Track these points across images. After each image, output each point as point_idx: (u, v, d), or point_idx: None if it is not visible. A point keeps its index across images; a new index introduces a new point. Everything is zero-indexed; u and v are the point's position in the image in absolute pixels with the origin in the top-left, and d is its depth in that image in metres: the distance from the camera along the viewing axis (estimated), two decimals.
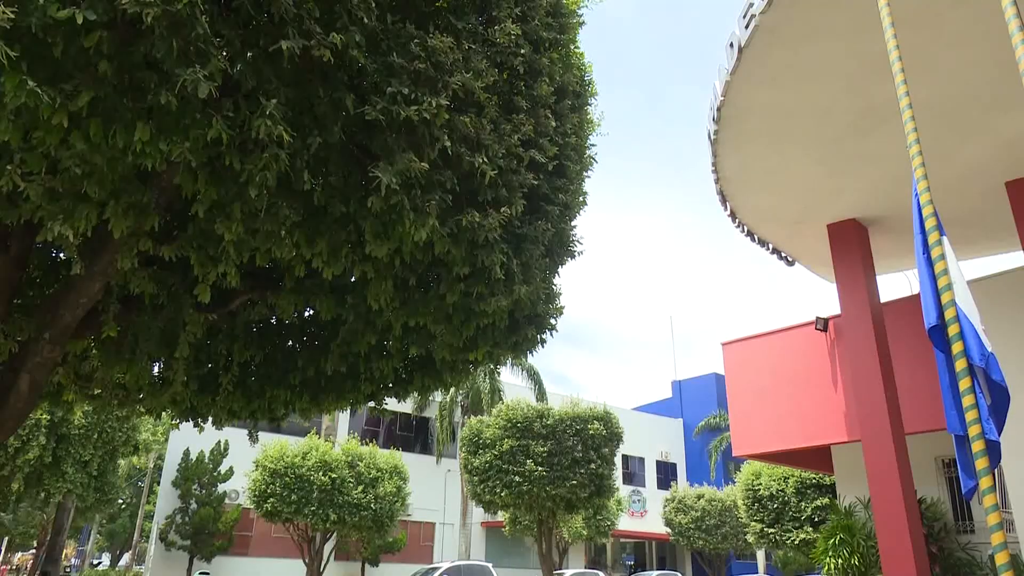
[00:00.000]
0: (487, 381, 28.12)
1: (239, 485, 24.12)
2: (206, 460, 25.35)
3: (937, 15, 6.10)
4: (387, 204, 3.95)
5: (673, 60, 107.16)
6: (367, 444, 23.42)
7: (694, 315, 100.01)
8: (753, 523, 20.44)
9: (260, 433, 20.37)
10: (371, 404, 7.33)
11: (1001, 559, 3.08)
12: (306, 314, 6.64)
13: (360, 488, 21.21)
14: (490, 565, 21.80)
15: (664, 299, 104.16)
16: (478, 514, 28.67)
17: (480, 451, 19.60)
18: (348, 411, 25.94)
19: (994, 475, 3.19)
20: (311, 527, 21.19)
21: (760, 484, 20.26)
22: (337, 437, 26.69)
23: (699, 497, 32.30)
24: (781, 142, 8.39)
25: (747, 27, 6.70)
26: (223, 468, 25.56)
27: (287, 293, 5.41)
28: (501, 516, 25.86)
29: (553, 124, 5.49)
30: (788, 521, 19.44)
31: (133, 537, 36.00)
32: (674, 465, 43.00)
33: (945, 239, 3.60)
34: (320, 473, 20.58)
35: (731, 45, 7.05)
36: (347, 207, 4.24)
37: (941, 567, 10.06)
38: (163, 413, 6.85)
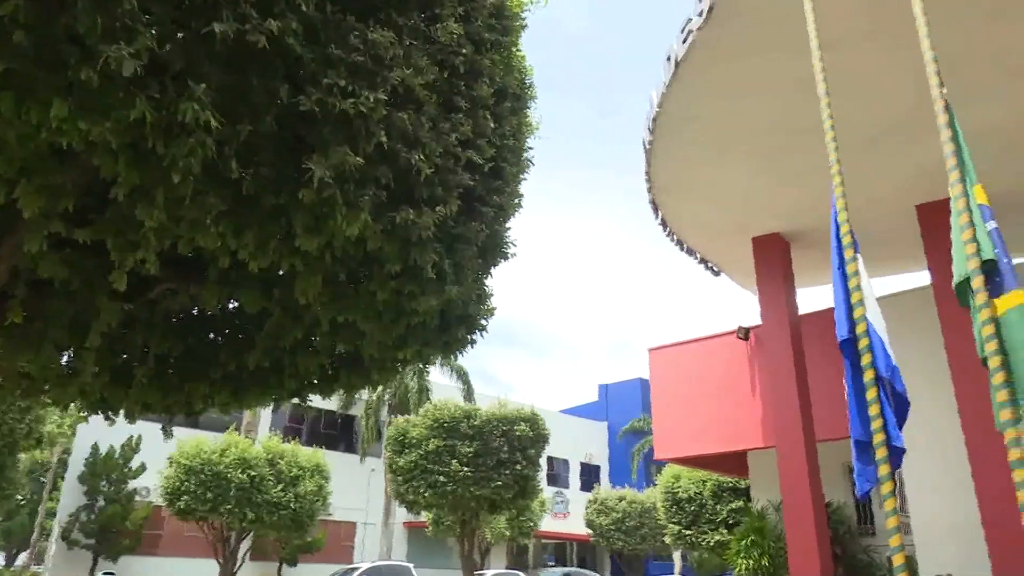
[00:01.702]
0: (415, 380, 27.90)
1: (151, 482, 23.15)
2: (116, 455, 24.24)
3: (863, 42, 6.41)
4: (319, 197, 3.87)
5: (618, 68, 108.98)
6: (289, 441, 22.89)
7: (625, 320, 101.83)
8: (671, 525, 20.97)
9: (176, 428, 19.60)
10: (295, 401, 7.17)
11: (898, 560, 3.25)
12: (230, 306, 6.44)
13: (280, 487, 20.70)
14: (411, 566, 21.63)
15: (598, 303, 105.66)
16: (401, 514, 28.40)
17: (406, 451, 19.43)
18: (271, 407, 25.29)
19: (894, 480, 3.37)
20: (227, 526, 20.55)
21: (679, 487, 20.80)
22: (258, 434, 25.97)
23: (620, 499, 32.91)
24: (713, 155, 8.64)
25: (684, 41, 6.87)
26: (135, 464, 24.50)
27: (211, 284, 5.23)
28: (424, 516, 25.69)
29: (492, 125, 5.50)
30: (704, 523, 20.03)
31: (32, 535, 34.09)
32: (598, 467, 43.68)
33: (859, 256, 3.78)
34: (238, 471, 19.98)
35: (668, 58, 7.22)
36: (278, 198, 4.13)
37: (844, 568, 10.56)
38: (71, 405, 6.51)
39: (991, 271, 3.16)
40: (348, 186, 4.00)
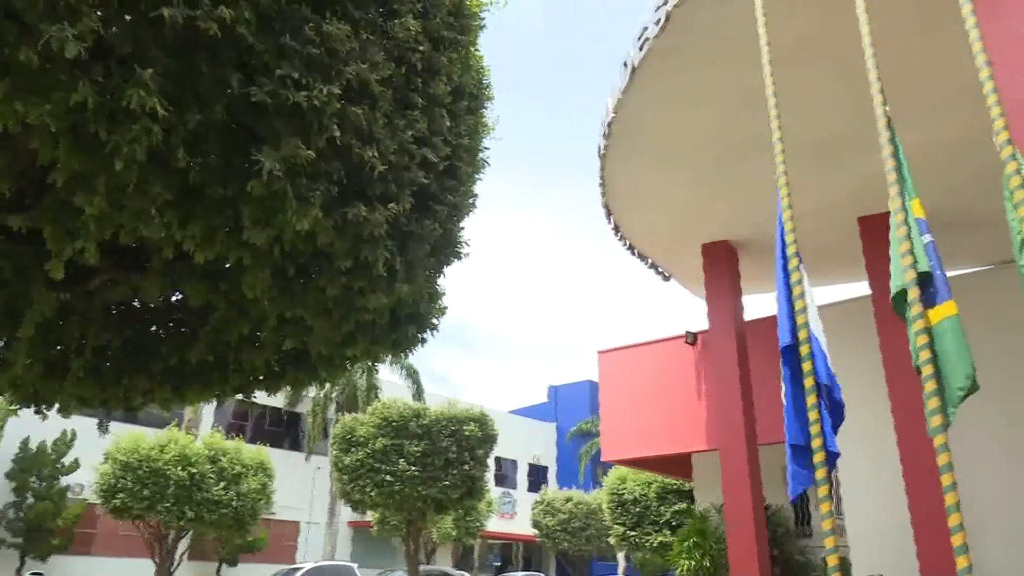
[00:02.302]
0: (364, 378, 27.61)
1: (85, 479, 22.34)
2: (48, 450, 23.33)
3: (812, 57, 6.59)
4: (269, 190, 3.80)
5: (578, 73, 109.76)
6: (232, 438, 22.38)
7: (577, 322, 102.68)
8: (616, 526, 21.22)
9: (114, 423, 19.01)
10: (239, 397, 7.01)
11: (832, 561, 3.35)
12: (173, 299, 6.26)
13: (222, 484, 20.22)
14: (355, 566, 21.39)
15: (549, 305, 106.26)
16: (346, 513, 28.06)
17: (352, 449, 19.20)
18: (214, 403, 24.71)
19: (830, 484, 3.48)
20: (164, 525, 19.98)
21: (625, 488, 21.05)
22: (200, 430, 25.33)
23: (567, 500, 33.16)
24: (666, 162, 8.78)
25: (640, 49, 6.96)
26: (68, 459, 23.61)
27: (153, 275, 5.08)
28: (370, 516, 25.44)
29: (448, 124, 5.48)
30: (649, 524, 20.32)
31: None
32: (546, 468, 43.91)
33: (802, 266, 3.89)
34: (178, 468, 19.44)
35: (624, 65, 7.30)
36: (226, 190, 4.04)
37: (781, 568, 10.83)
38: (0, 397, 6.25)
39: (926, 283, 3.29)
40: (299, 180, 3.94)
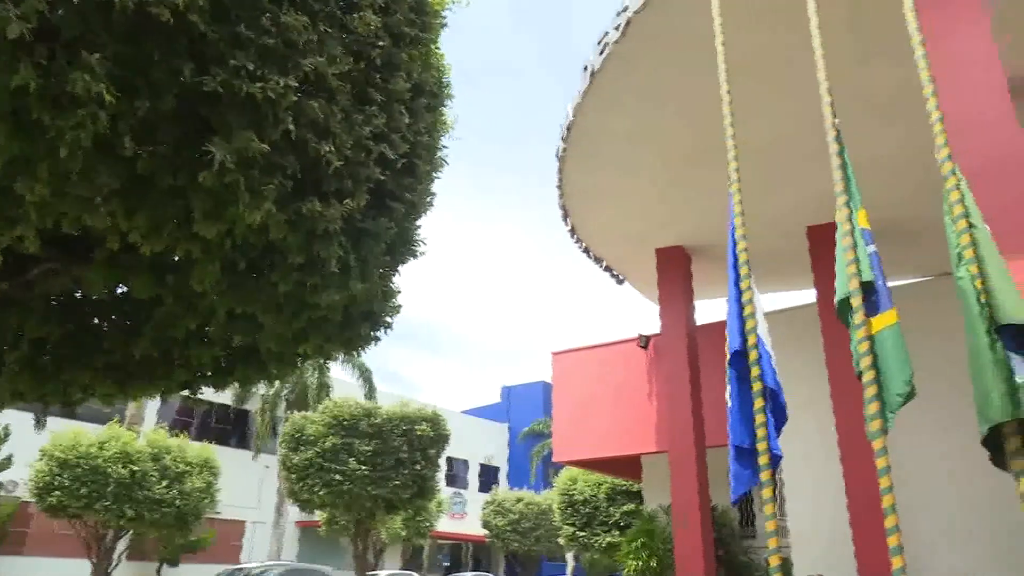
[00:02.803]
0: (315, 376, 27.23)
1: (19, 475, 21.50)
2: None
3: (767, 68, 6.74)
4: (220, 182, 3.72)
5: (541, 75, 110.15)
6: (177, 435, 21.82)
7: (532, 323, 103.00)
8: (566, 526, 21.34)
9: (52, 419, 18.37)
10: (185, 393, 6.84)
11: (774, 562, 3.43)
12: (117, 291, 6.08)
13: (164, 483, 19.69)
14: (330, 570, 20.98)
15: (505, 306, 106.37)
16: (294, 513, 27.62)
17: (301, 448, 18.92)
18: (158, 399, 24.06)
19: (774, 486, 3.56)
20: (103, 524, 19.36)
21: (576, 489, 21.19)
22: (143, 426, 24.63)
23: (518, 500, 33.24)
24: (623, 166, 8.87)
25: (601, 53, 7.02)
26: (0, 456, 22.69)
27: (97, 266, 4.92)
28: (318, 516, 25.09)
29: (407, 121, 5.45)
30: (598, 525, 20.49)
31: None
32: (497, 469, 43.94)
33: (751, 272, 3.98)
34: (119, 465, 18.86)
35: (585, 69, 7.36)
36: (176, 180, 3.94)
37: (725, 569, 11.04)
38: None
39: (869, 292, 3.39)
40: (252, 172, 3.87)
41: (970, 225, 3.15)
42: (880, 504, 3.10)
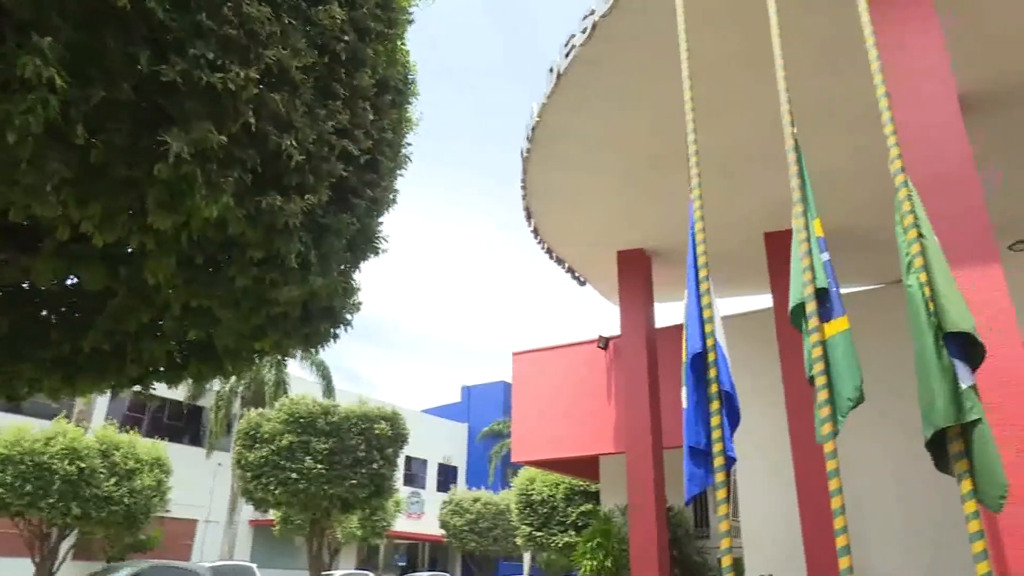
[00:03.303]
0: (273, 373, 26.80)
1: None
2: None
3: (729, 76, 6.85)
4: (177, 173, 3.63)
5: (509, 76, 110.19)
6: (127, 432, 21.26)
7: (493, 323, 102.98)
8: (523, 526, 21.40)
9: None
10: (136, 388, 6.67)
11: (726, 562, 3.49)
12: (68, 282, 5.89)
13: (113, 480, 19.16)
14: (254, 566, 20.71)
15: (467, 305, 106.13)
16: (247, 512, 27.16)
17: (257, 445, 18.61)
18: (108, 394, 23.42)
19: (728, 487, 3.62)
20: (47, 522, 18.76)
21: (534, 489, 21.26)
22: (92, 422, 23.94)
23: (476, 500, 33.21)
24: (587, 168, 8.92)
25: (567, 56, 7.06)
26: None
27: (47, 256, 4.76)
28: (272, 515, 24.72)
29: (371, 117, 5.40)
30: (555, 525, 20.59)
31: None
32: (455, 468, 43.83)
33: (710, 276, 4.04)
34: (65, 462, 18.27)
35: (551, 70, 7.39)
36: (131, 170, 3.84)
37: (680, 568, 11.20)
38: None
39: (823, 298, 3.47)
40: (210, 165, 3.79)
41: (920, 235, 3.25)
42: (829, 505, 3.17)
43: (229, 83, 3.70)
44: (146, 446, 20.98)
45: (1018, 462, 3.92)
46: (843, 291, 3.63)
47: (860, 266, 10.47)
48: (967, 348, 3.04)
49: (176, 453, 23.28)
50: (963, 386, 2.94)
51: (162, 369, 6.34)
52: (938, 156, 4.81)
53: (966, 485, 2.89)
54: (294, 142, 4.30)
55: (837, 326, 3.38)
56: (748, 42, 6.18)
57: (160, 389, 6.97)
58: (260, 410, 20.45)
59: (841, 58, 6.35)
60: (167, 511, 22.57)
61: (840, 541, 3.12)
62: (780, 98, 3.95)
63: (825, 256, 3.54)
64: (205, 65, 3.66)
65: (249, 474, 18.63)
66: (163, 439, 23.93)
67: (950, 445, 2.99)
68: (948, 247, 3.35)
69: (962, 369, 2.98)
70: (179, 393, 25.16)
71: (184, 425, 30.36)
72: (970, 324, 3.00)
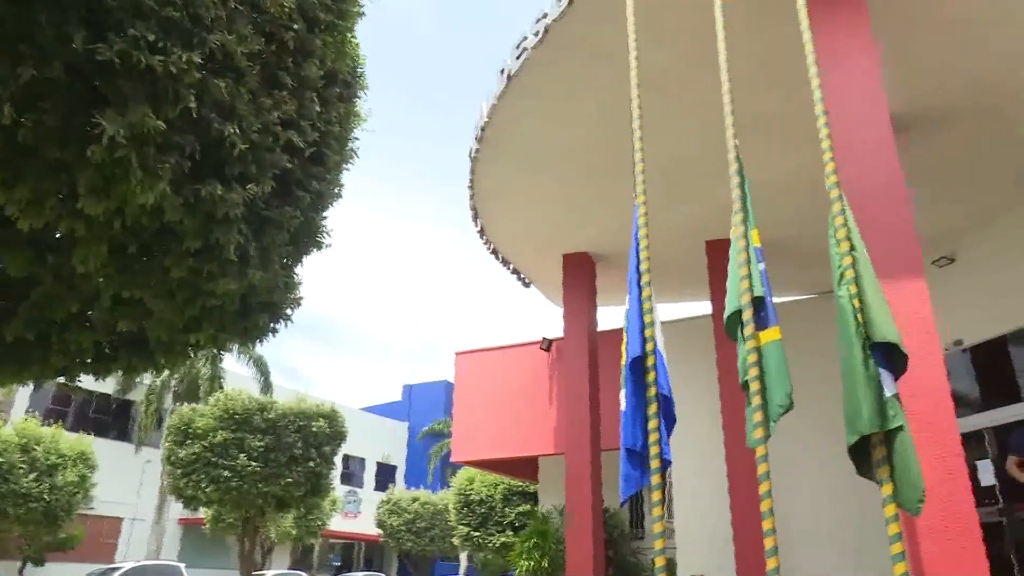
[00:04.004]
0: (208, 367, 26.08)
1: None
2: None
3: (677, 86, 6.98)
4: (111, 157, 3.50)
5: (459, 73, 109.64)
6: (50, 425, 20.37)
7: (437, 322, 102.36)
8: (461, 526, 21.36)
9: None
10: (61, 380, 6.39)
11: (659, 563, 3.55)
12: None
13: (33, 476, 18.35)
14: (182, 566, 20.11)
15: (412, 304, 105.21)
16: (176, 510, 26.32)
17: (189, 441, 18.07)
18: (31, 386, 22.40)
19: (663, 489, 3.69)
20: None
21: (473, 489, 21.25)
22: (12, 415, 22.86)
23: (414, 500, 33.00)
24: (535, 170, 8.96)
25: (518, 58, 7.08)
26: None
27: None
28: (203, 513, 24.04)
29: (318, 109, 5.31)
30: (493, 525, 20.62)
31: None
32: (394, 468, 43.44)
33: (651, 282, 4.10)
34: None
35: (502, 71, 7.40)
36: (62, 153, 3.68)
37: (614, 569, 11.34)
38: None
39: (759, 306, 3.57)
40: (147, 149, 3.66)
41: (852, 248, 3.37)
42: (759, 508, 3.26)
43: (170, 66, 3.58)
44: (70, 440, 20.16)
45: (936, 468, 4.11)
46: (776, 301, 3.74)
47: (790, 277, 10.80)
48: (892, 358, 3.17)
49: (102, 448, 22.45)
50: (887, 395, 3.07)
51: (89, 361, 6.09)
52: (871, 172, 5.01)
53: (887, 489, 3.01)
54: (237, 130, 4.19)
55: (770, 335, 3.48)
56: (696, 55, 6.31)
57: (87, 381, 6.70)
58: (193, 405, 19.87)
59: (783, 75, 6.54)
60: (91, 508, 21.74)
61: (768, 542, 3.21)
62: (724, 110, 4.04)
63: (762, 266, 3.64)
64: (145, 47, 3.53)
65: (180, 471, 18.07)
66: (89, 433, 23.02)
67: (873, 451, 3.11)
68: (877, 260, 3.48)
69: (887, 378, 3.11)
70: (107, 386, 24.23)
71: (112, 419, 29.24)
72: (896, 335, 3.13)
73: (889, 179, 4.97)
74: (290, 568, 29.81)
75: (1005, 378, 8.78)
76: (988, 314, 8.78)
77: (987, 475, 8.67)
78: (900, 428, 3.01)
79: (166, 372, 23.65)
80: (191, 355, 6.63)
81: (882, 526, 3.01)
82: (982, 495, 8.40)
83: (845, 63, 5.36)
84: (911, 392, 3.93)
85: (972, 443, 8.73)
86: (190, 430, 18.27)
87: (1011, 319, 8.65)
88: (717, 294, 9.56)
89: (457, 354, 14.00)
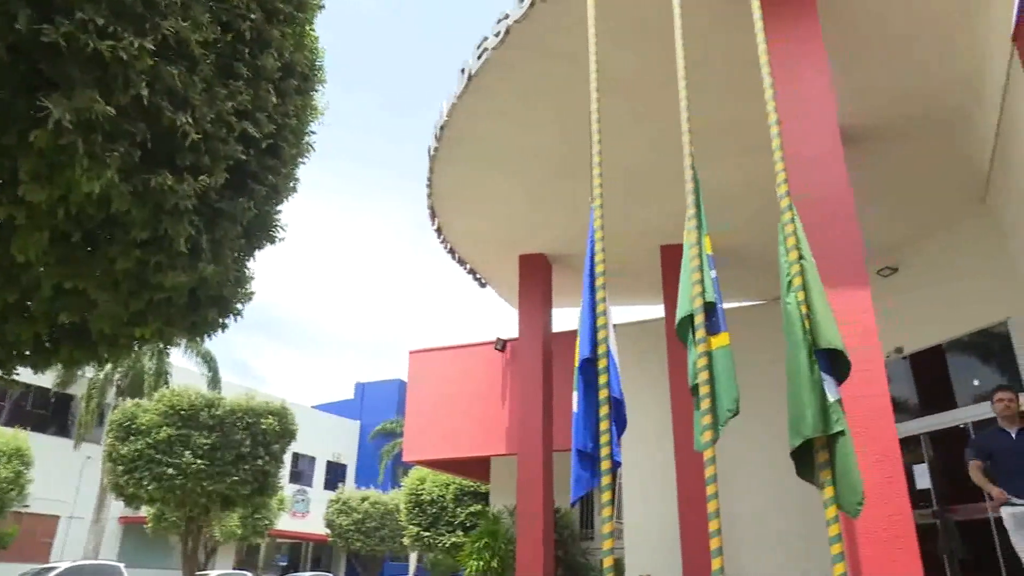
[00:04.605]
0: (154, 361, 25.38)
1: None
2: None
3: (636, 90, 7.05)
4: (55, 143, 3.38)
5: (417, 75, 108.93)
6: None
7: (392, 320, 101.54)
8: (411, 526, 21.23)
9: None
10: None
11: (607, 563, 3.58)
12: None
13: None
14: (121, 566, 19.53)
15: (367, 301, 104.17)
16: (117, 508, 25.57)
17: (131, 438, 17.56)
18: None
19: (613, 490, 3.72)
20: None
21: (424, 489, 21.14)
22: None
23: (364, 499, 32.68)
24: (493, 171, 8.96)
25: (479, 58, 7.07)
26: None
27: None
28: (145, 511, 23.39)
29: (274, 101, 5.22)
30: (443, 525, 20.54)
31: None
32: (345, 467, 42.94)
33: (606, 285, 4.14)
34: None
35: (462, 71, 7.38)
36: (2, 137, 3.54)
37: (564, 569, 11.42)
38: None
39: (710, 312, 3.63)
40: (94, 136, 3.55)
41: (801, 256, 3.46)
42: (705, 509, 3.32)
43: (120, 51, 3.47)
44: (5, 436, 19.41)
45: (876, 471, 4.24)
46: (726, 307, 3.81)
47: (740, 284, 11.02)
48: (835, 364, 3.26)
49: (40, 444, 21.70)
50: (830, 400, 3.15)
51: (28, 353, 5.87)
52: (820, 183, 5.15)
53: (828, 492, 3.10)
54: (190, 119, 4.09)
55: (720, 340, 3.54)
56: (655, 61, 6.39)
57: (25, 374, 6.45)
58: (137, 401, 19.32)
59: (738, 84, 6.67)
60: (25, 506, 20.95)
61: (714, 543, 3.27)
62: (681, 116, 4.10)
63: (713, 273, 3.71)
64: (94, 30, 3.42)
65: (121, 468, 17.55)
66: (25, 428, 22.19)
67: (816, 455, 3.20)
68: (823, 269, 3.58)
69: (830, 384, 3.20)
70: (46, 379, 23.42)
71: (51, 414, 28.24)
72: (840, 342, 3.22)
73: (837, 190, 5.12)
74: (235, 568, 29.21)
75: (942, 385, 9.13)
76: (928, 323, 9.11)
77: (923, 479, 9.00)
78: (842, 433, 3.10)
79: (109, 366, 22.96)
80: (136, 349, 6.45)
81: (824, 528, 3.09)
82: (918, 498, 8.71)
83: (798, 75, 5.50)
84: (853, 397, 4.04)
85: (910, 447, 9.04)
86: (133, 426, 17.76)
87: (949, 328, 8.99)
88: (670, 298, 9.67)
89: (411, 353, 13.93)
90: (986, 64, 6.82)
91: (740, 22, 4.81)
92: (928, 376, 9.44)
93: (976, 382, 8.89)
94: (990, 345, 8.61)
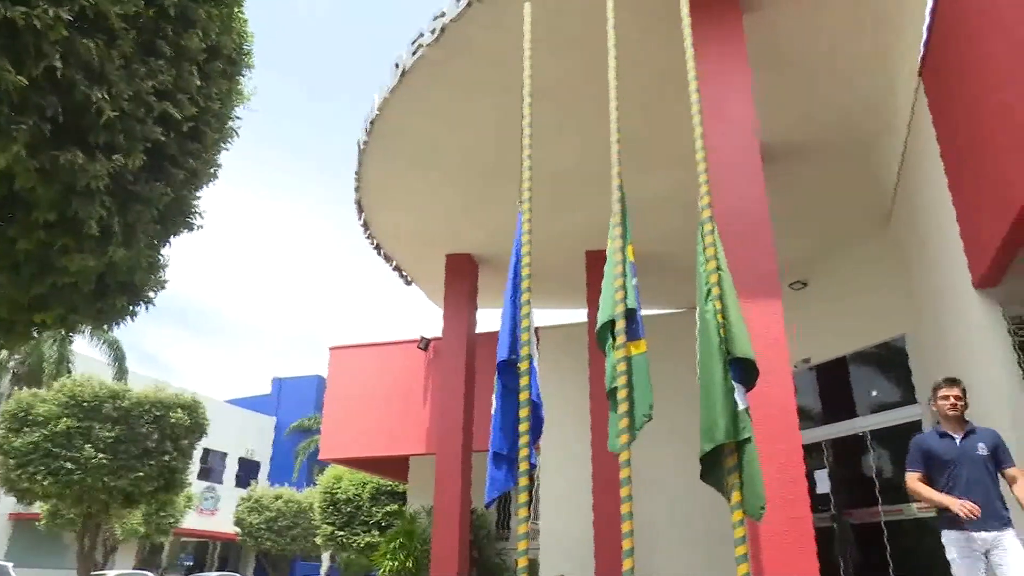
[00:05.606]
0: (55, 349, 24.01)
1: None
2: None
3: (569, 97, 7.15)
4: None
5: (352, 59, 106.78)
6: None
7: (313, 315, 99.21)
8: (326, 525, 20.80)
9: None
10: None
11: (521, 563, 3.61)
12: None
13: None
14: (9, 565, 18.38)
15: (287, 294, 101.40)
16: (7, 504, 24.05)
17: (26, 429, 16.54)
18: None
19: (530, 492, 3.76)
20: None
21: (340, 488, 20.75)
22: None
23: (277, 497, 31.84)
24: (423, 169, 8.91)
25: (413, 54, 7.02)
26: None
27: None
28: (39, 508, 22.08)
29: (198, 83, 5.04)
30: (359, 524, 20.22)
31: None
32: (258, 464, 41.71)
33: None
34: None
35: (396, 65, 7.31)
36: None
37: (478, 570, 11.44)
38: None
39: (630, 319, 3.71)
40: (2, 107, 3.34)
41: (719, 267, 3.59)
42: (619, 510, 3.40)
43: (34, 20, 3.29)
44: None
45: (778, 477, 4.44)
46: (644, 314, 3.90)
47: (657, 291, 11.30)
48: (745, 373, 3.40)
49: None
50: (741, 407, 3.28)
51: None
52: (739, 196, 5.35)
53: (735, 496, 3.22)
54: (106, 96, 3.90)
55: (638, 347, 3.63)
56: (588, 68, 6.50)
57: None
58: (35, 390, 18.21)
59: (665, 95, 6.86)
60: None
61: (626, 544, 3.34)
62: (611, 125, 4.18)
63: (635, 281, 3.80)
64: None
65: (13, 461, 16.49)
66: None
67: (725, 460, 3.32)
68: (738, 280, 3.72)
69: (740, 392, 3.33)
70: None
71: None
72: (751, 352, 3.35)
73: (755, 205, 5.33)
74: (135, 568, 27.93)
75: (844, 395, 9.63)
76: (833, 335, 9.60)
77: (823, 484, 9.47)
78: (749, 439, 3.23)
79: (4, 352, 21.61)
80: (35, 336, 6.09)
81: (731, 530, 3.21)
82: (818, 502, 9.16)
83: (722, 90, 5.70)
84: (760, 405, 4.22)
85: (812, 454, 9.50)
86: (29, 417, 16.73)
87: (853, 341, 9.50)
88: (593, 303, 9.85)
89: (331, 349, 13.69)
90: (895, 94, 7.25)
91: (670, 33, 4.95)
92: (832, 386, 9.93)
93: (875, 393, 9.43)
94: (889, 358, 9.14)
